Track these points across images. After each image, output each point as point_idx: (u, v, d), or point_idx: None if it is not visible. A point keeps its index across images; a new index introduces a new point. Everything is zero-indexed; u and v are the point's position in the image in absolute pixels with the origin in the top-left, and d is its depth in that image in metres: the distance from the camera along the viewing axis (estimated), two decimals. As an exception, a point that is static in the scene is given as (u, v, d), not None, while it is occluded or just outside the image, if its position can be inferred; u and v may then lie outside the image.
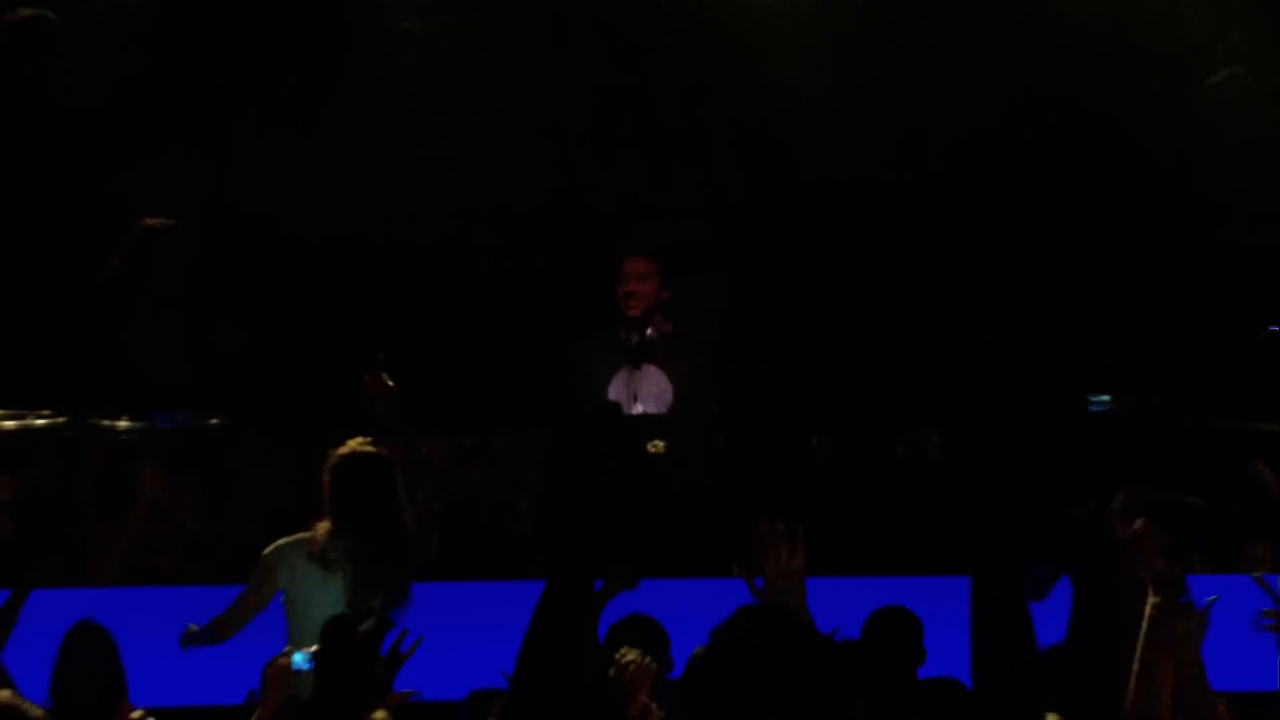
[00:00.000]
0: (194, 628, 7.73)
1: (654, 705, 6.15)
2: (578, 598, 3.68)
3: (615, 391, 9.90)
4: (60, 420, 9.80)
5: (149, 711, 6.48)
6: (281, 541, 7.74)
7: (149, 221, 10.09)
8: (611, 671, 5.73)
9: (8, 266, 10.21)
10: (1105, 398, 9.64)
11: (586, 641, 3.87)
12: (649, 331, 9.93)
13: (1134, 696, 5.29)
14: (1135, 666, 5.37)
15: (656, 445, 9.66)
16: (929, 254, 10.67)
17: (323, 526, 7.64)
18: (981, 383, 9.72)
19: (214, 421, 9.81)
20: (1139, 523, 5.43)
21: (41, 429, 9.78)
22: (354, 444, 7.68)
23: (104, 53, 10.75)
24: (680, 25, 11.09)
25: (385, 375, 8.52)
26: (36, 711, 5.84)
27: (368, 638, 5.63)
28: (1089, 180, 10.77)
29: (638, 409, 9.88)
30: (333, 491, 7.62)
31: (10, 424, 9.74)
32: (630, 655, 5.75)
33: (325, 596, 7.47)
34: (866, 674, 6.66)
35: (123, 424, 9.80)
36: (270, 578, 7.67)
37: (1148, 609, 5.39)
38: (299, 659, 6.43)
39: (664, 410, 9.91)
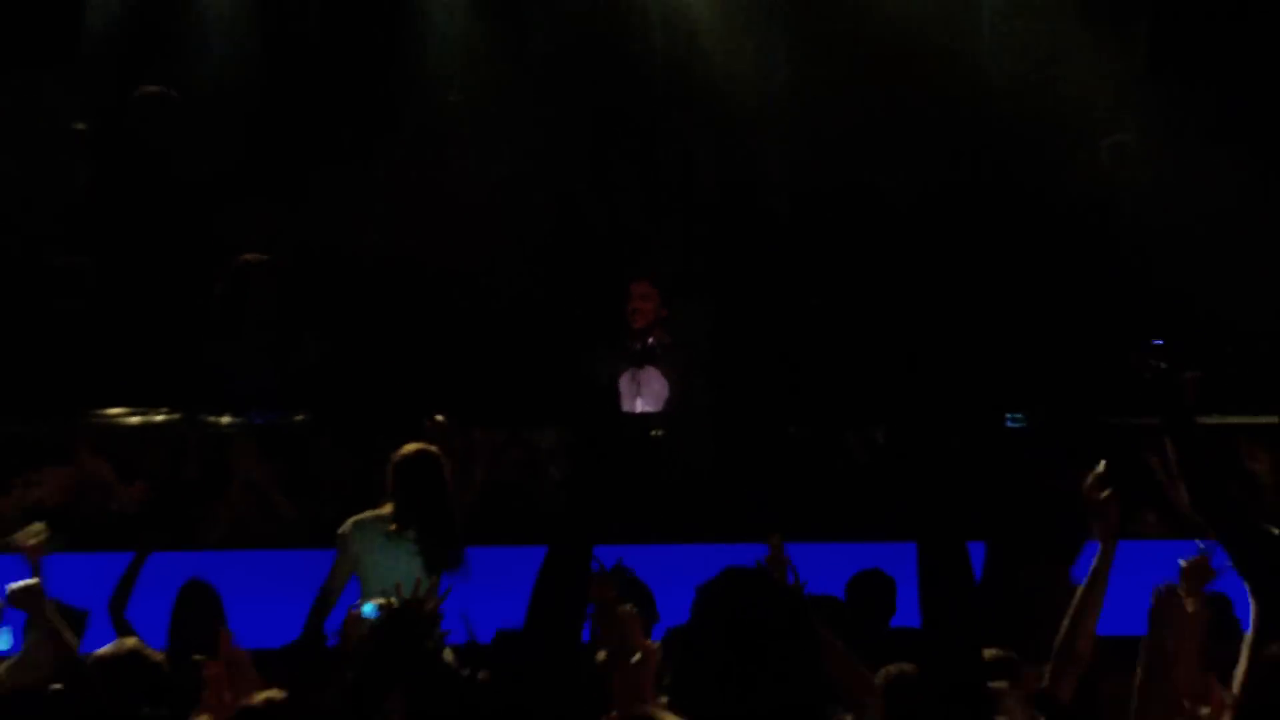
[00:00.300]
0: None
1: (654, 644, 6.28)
2: (584, 558, 3.71)
3: (623, 389, 9.90)
4: (175, 417, 9.84)
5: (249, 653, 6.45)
6: (355, 517, 7.71)
7: (246, 257, 10.17)
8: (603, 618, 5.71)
9: (133, 294, 10.28)
10: (1019, 415, 9.68)
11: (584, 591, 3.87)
12: (650, 341, 9.96)
13: (1064, 633, 5.35)
14: (1072, 610, 5.41)
15: (656, 433, 9.80)
16: (877, 288, 10.59)
17: (388, 506, 7.65)
18: (917, 395, 9.69)
19: (297, 418, 9.88)
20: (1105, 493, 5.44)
21: (160, 424, 9.83)
22: (412, 446, 7.69)
23: (209, 120, 10.83)
24: (676, 101, 11.13)
25: (441, 423, 8.49)
26: (157, 655, 5.91)
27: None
28: (1006, 229, 10.76)
29: (640, 404, 9.91)
30: (396, 483, 7.64)
31: (136, 420, 9.82)
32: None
33: (392, 562, 7.44)
34: (848, 624, 6.59)
35: (224, 420, 9.84)
36: (349, 547, 7.64)
37: (1095, 563, 5.45)
38: (368, 609, 6.54)
39: (662, 405, 9.95)
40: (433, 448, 7.74)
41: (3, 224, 10.49)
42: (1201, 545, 5.64)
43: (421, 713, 4.71)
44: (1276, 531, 4.87)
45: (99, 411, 9.90)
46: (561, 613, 3.67)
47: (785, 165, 11.19)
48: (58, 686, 5.65)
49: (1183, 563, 5.68)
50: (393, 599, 6.62)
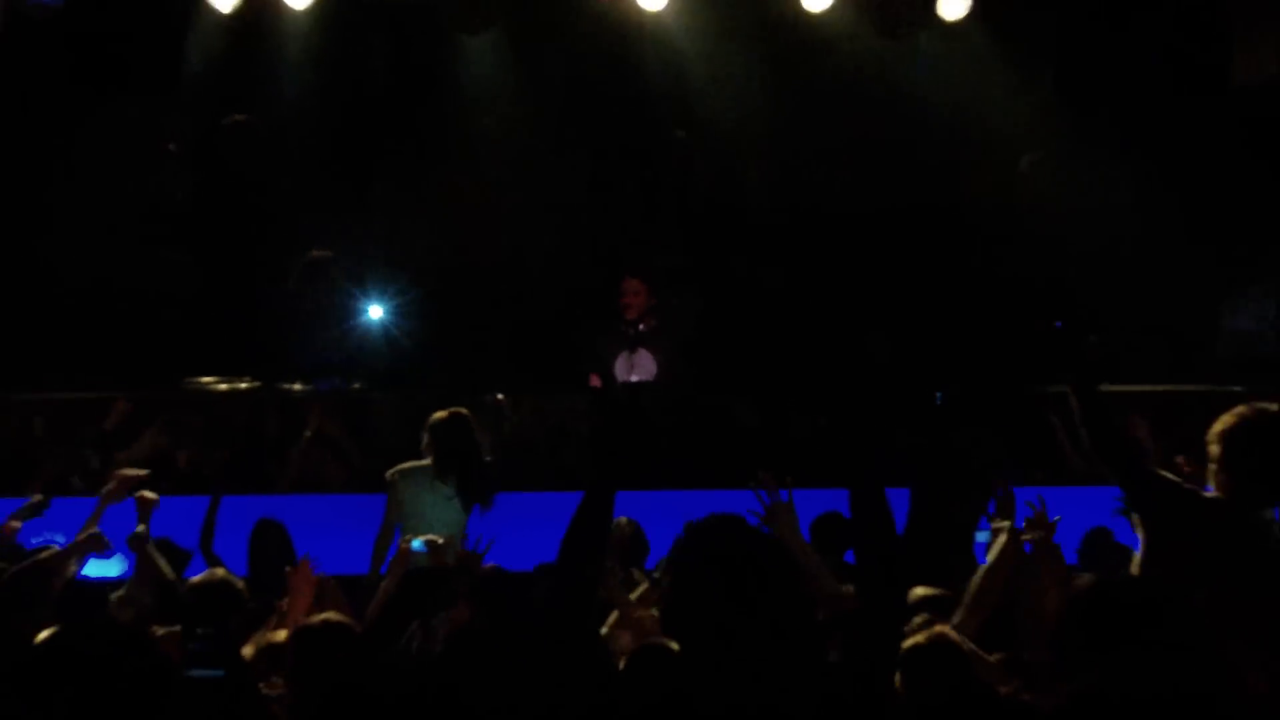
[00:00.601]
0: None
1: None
2: (608, 501, 3.63)
3: (618, 366, 9.86)
4: (257, 385, 9.88)
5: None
6: (399, 466, 7.68)
7: (315, 254, 10.21)
8: None
9: (223, 283, 10.31)
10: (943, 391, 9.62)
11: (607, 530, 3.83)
12: (641, 327, 9.88)
13: (978, 580, 5.22)
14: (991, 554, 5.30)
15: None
16: (831, 287, 10.57)
17: (429, 458, 7.63)
18: (864, 374, 9.72)
19: (355, 386, 9.90)
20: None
21: (245, 390, 9.88)
22: (446, 411, 7.67)
23: (287, 143, 10.90)
24: (668, 126, 11.09)
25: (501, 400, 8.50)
26: (240, 582, 5.91)
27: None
28: (939, 234, 10.75)
29: (633, 378, 9.82)
30: (434, 440, 7.61)
31: (225, 386, 9.84)
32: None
33: (433, 505, 7.50)
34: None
35: (297, 387, 9.89)
36: (396, 492, 7.61)
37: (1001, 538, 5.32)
38: (416, 544, 6.56)
39: (651, 379, 9.87)
40: (463, 410, 7.70)
41: (118, 226, 10.47)
42: (1040, 496, 5.52)
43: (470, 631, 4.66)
44: (1162, 474, 4.75)
45: (195, 379, 9.93)
46: (592, 546, 3.60)
47: (758, 180, 11.16)
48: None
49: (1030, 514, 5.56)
50: (437, 538, 6.74)
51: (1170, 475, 4.72)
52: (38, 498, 7.31)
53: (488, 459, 7.77)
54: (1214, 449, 4.56)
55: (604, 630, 5.62)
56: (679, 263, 10.60)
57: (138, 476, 6.93)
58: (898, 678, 4.11)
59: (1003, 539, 5.34)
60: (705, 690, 3.23)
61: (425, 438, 7.65)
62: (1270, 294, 10.60)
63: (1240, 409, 4.57)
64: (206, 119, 10.73)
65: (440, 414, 7.65)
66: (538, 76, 10.94)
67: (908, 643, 4.34)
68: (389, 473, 7.70)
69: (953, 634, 4.45)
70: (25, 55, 9.87)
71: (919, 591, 5.30)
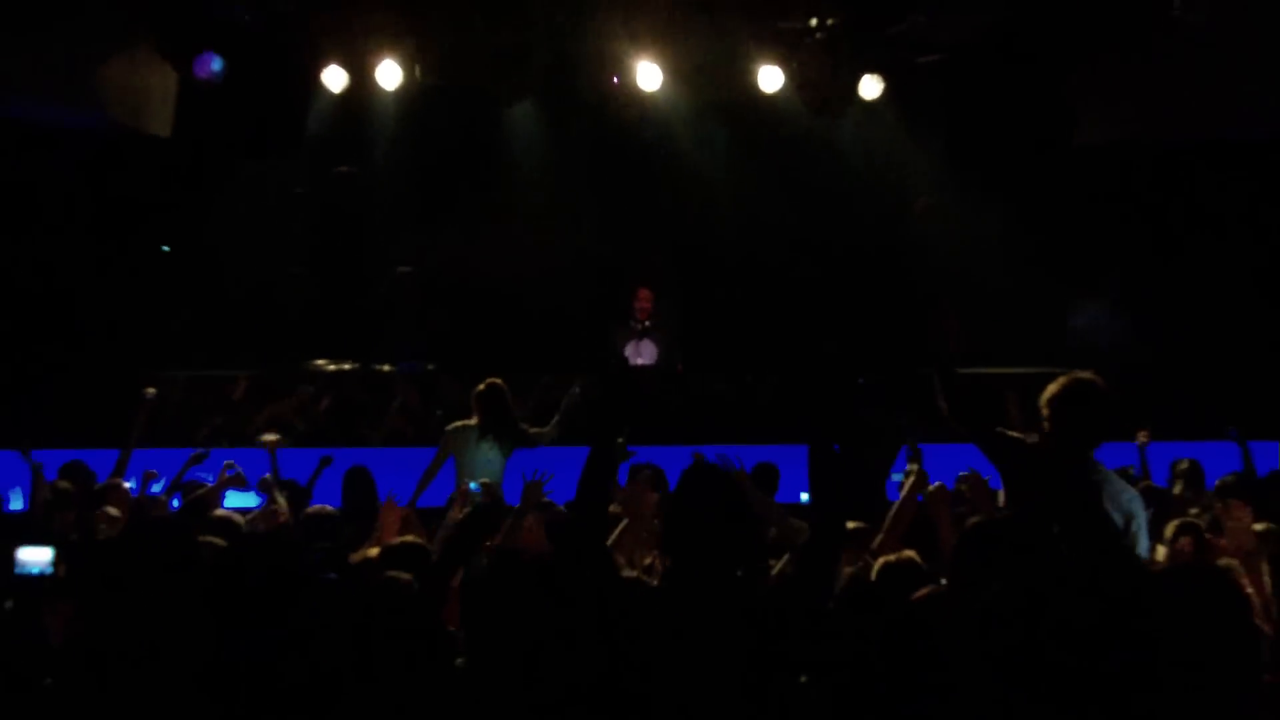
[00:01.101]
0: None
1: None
2: (612, 455, 3.58)
3: (628, 351, 9.83)
4: (356, 365, 9.83)
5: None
6: (453, 424, 7.50)
7: (400, 269, 10.16)
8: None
9: (334, 293, 10.29)
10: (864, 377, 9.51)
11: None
12: (646, 323, 9.84)
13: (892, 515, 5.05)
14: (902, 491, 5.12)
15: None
16: (783, 298, 10.58)
17: (475, 419, 7.41)
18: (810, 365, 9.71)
19: (430, 368, 9.79)
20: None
21: (346, 370, 9.83)
22: (486, 383, 7.46)
23: (379, 186, 10.83)
24: (663, 178, 11.04)
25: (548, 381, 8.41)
26: (337, 513, 5.81)
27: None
28: (858, 262, 10.73)
29: (639, 361, 9.81)
30: (479, 404, 7.41)
31: (333, 367, 9.79)
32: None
33: (479, 455, 7.32)
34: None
35: (385, 368, 9.83)
36: (447, 445, 7.41)
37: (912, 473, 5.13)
38: (473, 486, 6.30)
39: (653, 362, 9.84)
40: (499, 382, 7.45)
41: (256, 248, 10.42)
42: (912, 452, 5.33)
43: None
44: (1000, 430, 4.55)
45: (311, 361, 9.88)
46: (600, 486, 3.50)
47: (728, 217, 11.03)
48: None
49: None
50: (487, 480, 6.58)
51: (1008, 432, 4.54)
52: (201, 451, 7.20)
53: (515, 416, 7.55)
54: (1045, 410, 4.40)
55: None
56: (672, 278, 10.55)
57: (274, 438, 6.88)
58: (874, 577, 4.10)
59: (912, 479, 5.19)
60: (687, 591, 3.19)
61: (473, 403, 7.47)
62: (1103, 303, 10.56)
63: (1062, 379, 4.39)
64: (321, 170, 10.68)
65: (482, 385, 7.45)
66: (562, 138, 10.85)
67: (882, 560, 4.26)
68: (446, 428, 7.53)
69: (915, 555, 4.30)
70: (196, 117, 9.75)
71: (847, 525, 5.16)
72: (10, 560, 4.52)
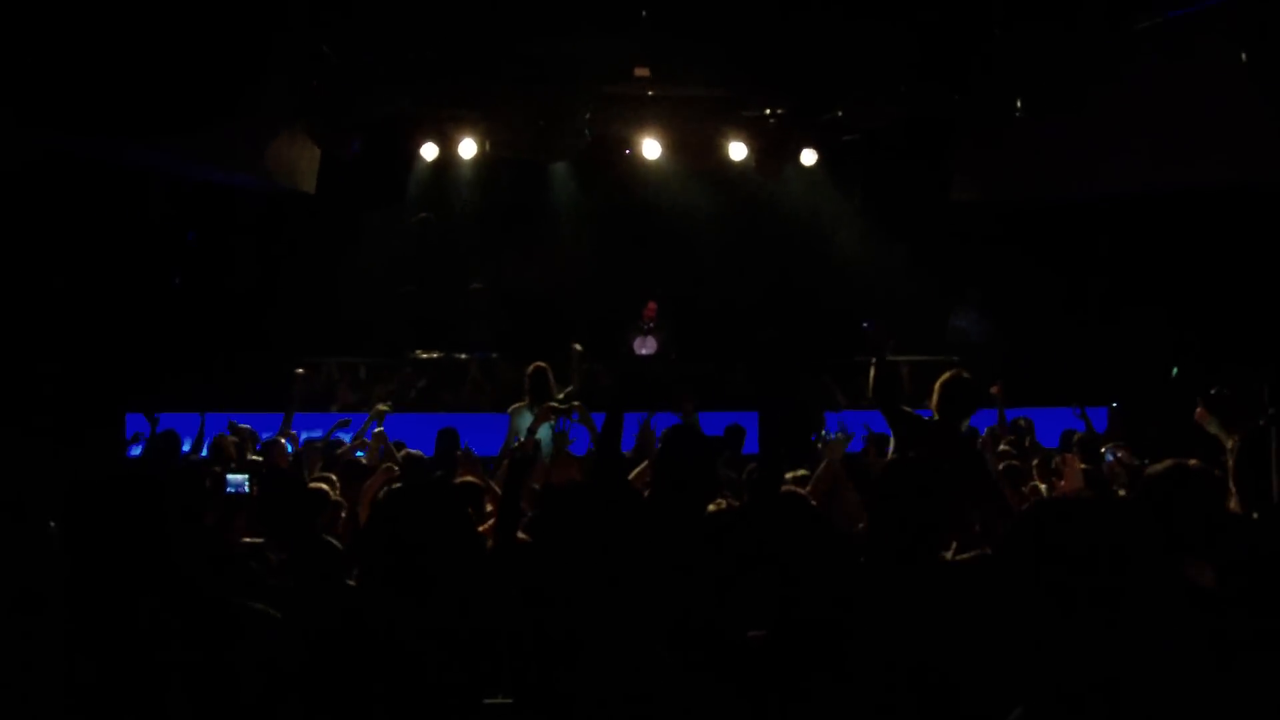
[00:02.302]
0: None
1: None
2: (620, 417, 3.52)
3: (636, 344, 9.78)
4: (438, 354, 9.77)
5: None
6: (515, 405, 7.12)
7: (475, 286, 10.12)
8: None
9: (427, 302, 10.24)
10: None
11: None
12: (651, 324, 9.81)
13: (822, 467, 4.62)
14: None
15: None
16: (747, 312, 10.46)
17: (527, 397, 7.13)
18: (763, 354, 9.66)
19: (494, 355, 9.68)
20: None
21: (436, 358, 9.76)
22: (533, 366, 7.21)
23: (456, 229, 10.69)
24: (658, 227, 10.87)
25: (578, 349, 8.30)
26: (429, 460, 5.79)
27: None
28: (793, 293, 10.60)
29: (644, 352, 9.76)
30: (529, 381, 7.16)
31: (423, 355, 9.72)
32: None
33: (529, 422, 6.94)
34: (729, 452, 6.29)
35: (462, 356, 9.76)
36: (512, 420, 7.02)
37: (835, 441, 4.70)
38: (542, 432, 5.89)
39: (655, 352, 9.77)
40: (543, 364, 7.16)
41: (374, 269, 10.29)
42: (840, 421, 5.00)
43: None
44: (904, 409, 4.44)
45: (414, 351, 9.80)
46: (614, 442, 3.47)
47: (707, 252, 10.89)
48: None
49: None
50: (538, 437, 6.46)
51: (907, 409, 4.48)
52: (345, 420, 7.15)
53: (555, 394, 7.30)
54: (935, 395, 4.40)
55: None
56: (667, 296, 10.34)
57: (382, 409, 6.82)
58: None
59: (838, 436, 5.06)
60: (663, 511, 3.11)
61: (525, 382, 7.29)
62: (974, 310, 10.49)
63: (948, 372, 4.44)
64: (414, 216, 10.50)
65: (530, 368, 7.24)
66: (591, 191, 10.79)
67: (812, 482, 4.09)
68: (510, 407, 7.24)
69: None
70: (334, 178, 9.68)
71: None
72: (221, 480, 4.71)
